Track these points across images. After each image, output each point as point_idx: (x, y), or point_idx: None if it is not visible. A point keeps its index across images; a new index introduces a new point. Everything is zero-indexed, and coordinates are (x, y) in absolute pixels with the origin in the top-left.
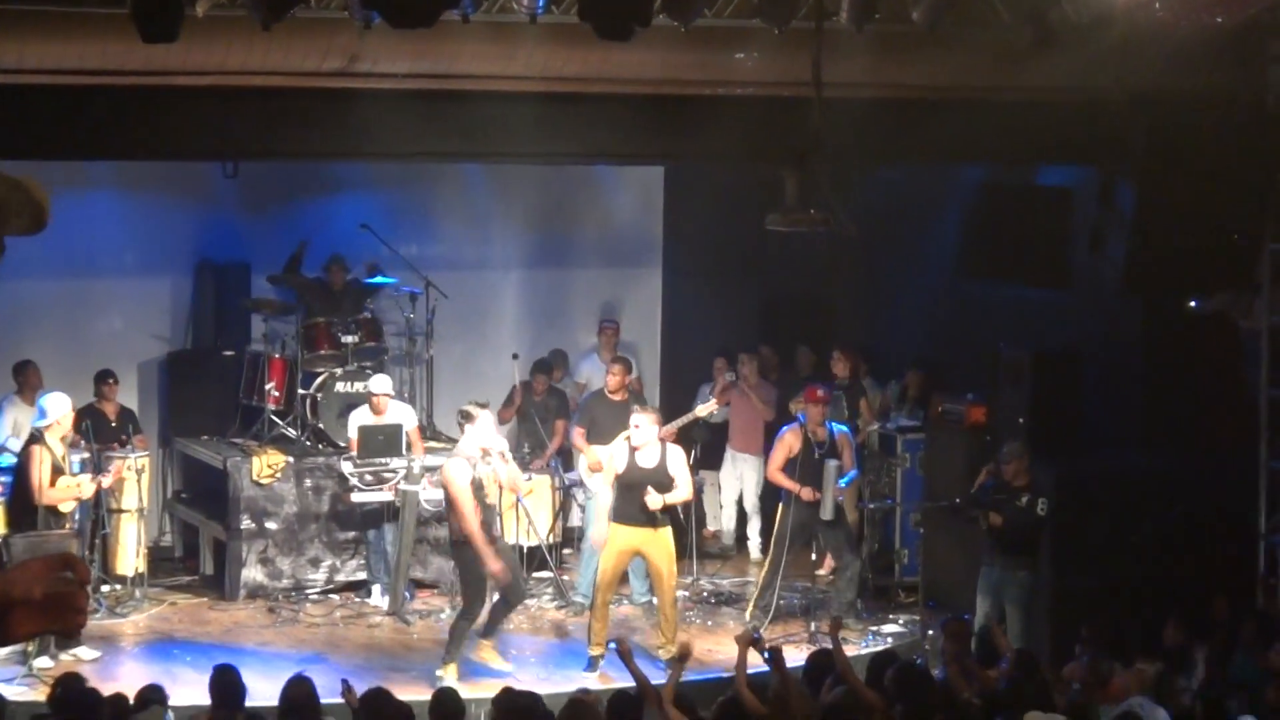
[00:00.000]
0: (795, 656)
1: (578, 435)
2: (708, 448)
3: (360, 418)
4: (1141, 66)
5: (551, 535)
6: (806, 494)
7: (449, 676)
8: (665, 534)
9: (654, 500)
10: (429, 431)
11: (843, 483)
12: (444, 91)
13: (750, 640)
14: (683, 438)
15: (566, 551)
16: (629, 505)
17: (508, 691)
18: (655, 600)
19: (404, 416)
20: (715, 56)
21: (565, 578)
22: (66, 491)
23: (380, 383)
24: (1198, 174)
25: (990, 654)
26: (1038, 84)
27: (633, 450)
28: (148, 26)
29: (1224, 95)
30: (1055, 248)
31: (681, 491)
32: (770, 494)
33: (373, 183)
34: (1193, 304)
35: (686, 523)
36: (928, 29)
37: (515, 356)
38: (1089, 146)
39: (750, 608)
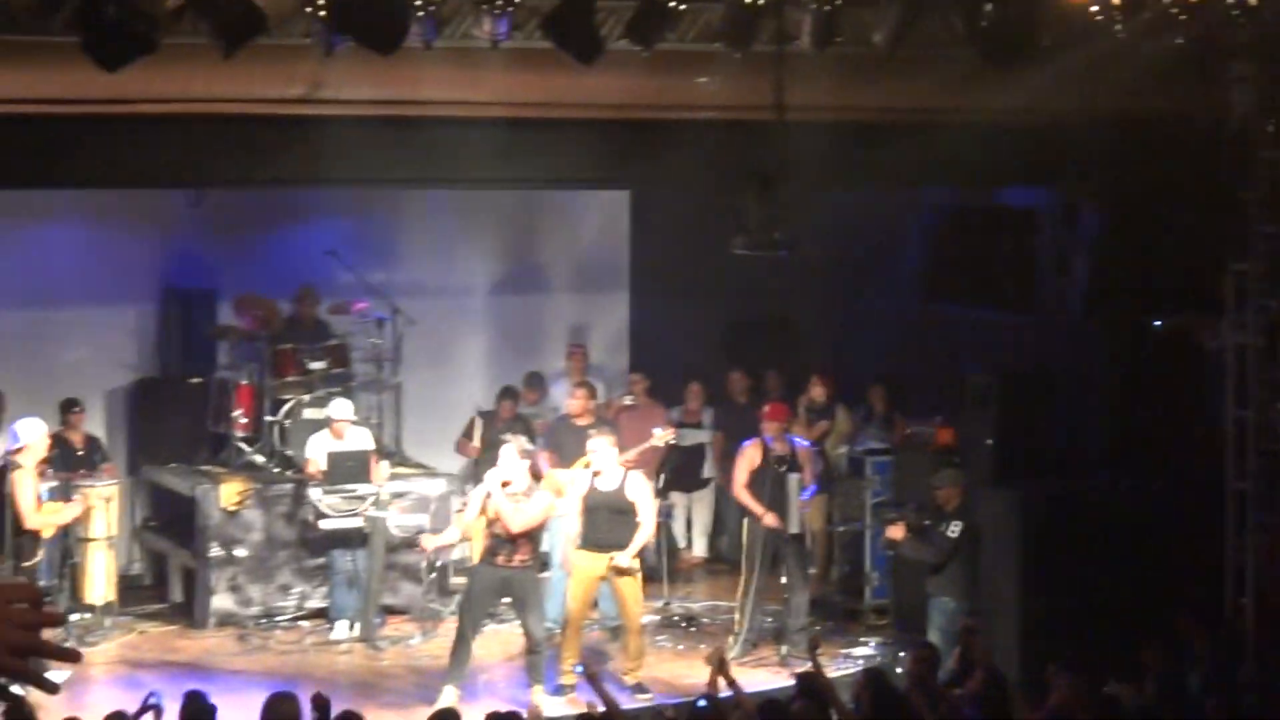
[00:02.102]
0: (768, 681)
1: (543, 460)
2: (680, 470)
3: (320, 442)
4: (1104, 88)
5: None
6: (770, 520)
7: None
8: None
9: (623, 560)
10: (397, 458)
11: (804, 495)
12: (407, 118)
13: (721, 663)
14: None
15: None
16: (593, 530)
17: (493, 716)
18: (623, 624)
19: (363, 441)
20: (678, 80)
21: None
22: (55, 515)
23: (340, 408)
24: (1160, 195)
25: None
26: (1001, 106)
27: (593, 474)
28: (102, 54)
29: (1186, 116)
30: (1019, 270)
31: (645, 529)
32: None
33: (338, 209)
34: (1156, 325)
35: (657, 545)
36: (889, 51)
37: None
38: (1052, 168)
39: (739, 641)
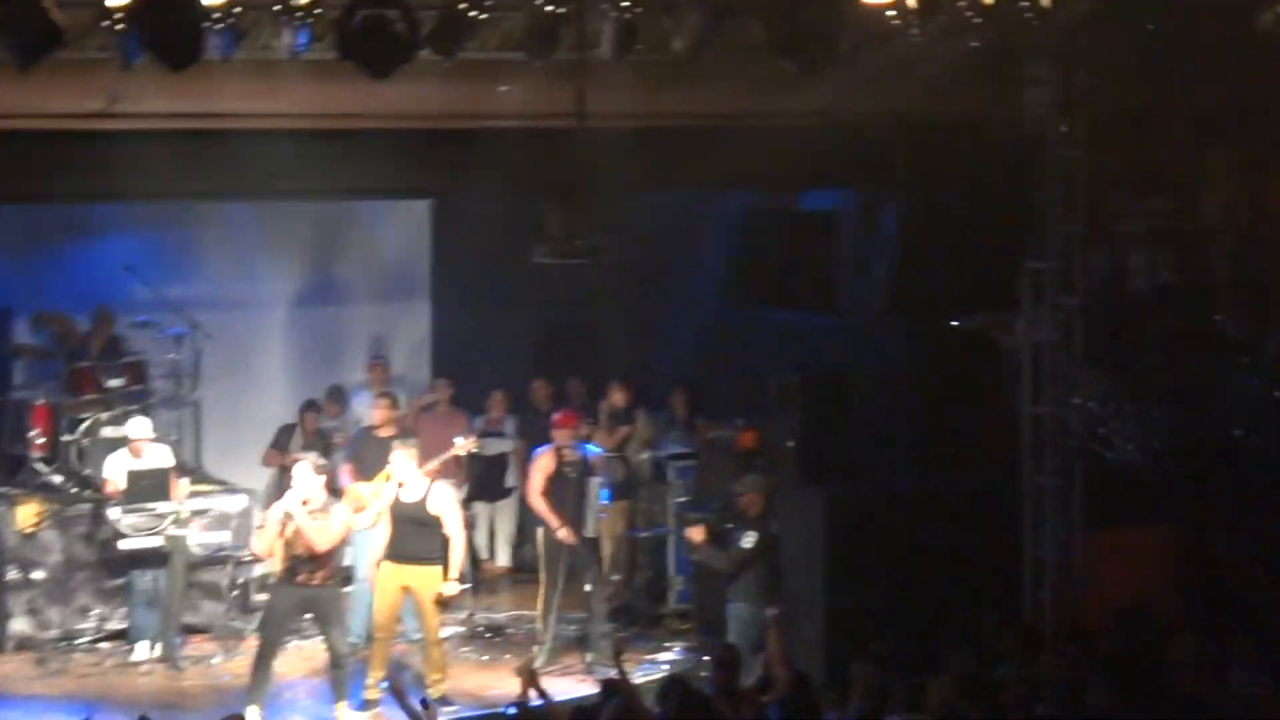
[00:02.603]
0: (574, 689)
1: (344, 473)
2: (483, 480)
3: (118, 461)
4: (901, 91)
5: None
6: (564, 534)
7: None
8: (436, 571)
9: (451, 589)
10: (197, 474)
11: (602, 498)
12: (207, 130)
13: (531, 675)
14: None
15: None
16: (396, 542)
17: None
18: (424, 635)
19: (162, 459)
20: (479, 90)
21: None
22: None
23: (138, 426)
24: (957, 195)
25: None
26: (800, 110)
27: (397, 485)
28: None
29: (982, 118)
30: (820, 272)
31: (455, 544)
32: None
33: (135, 224)
34: (955, 324)
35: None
36: (690, 58)
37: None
38: (851, 170)
39: (543, 650)
